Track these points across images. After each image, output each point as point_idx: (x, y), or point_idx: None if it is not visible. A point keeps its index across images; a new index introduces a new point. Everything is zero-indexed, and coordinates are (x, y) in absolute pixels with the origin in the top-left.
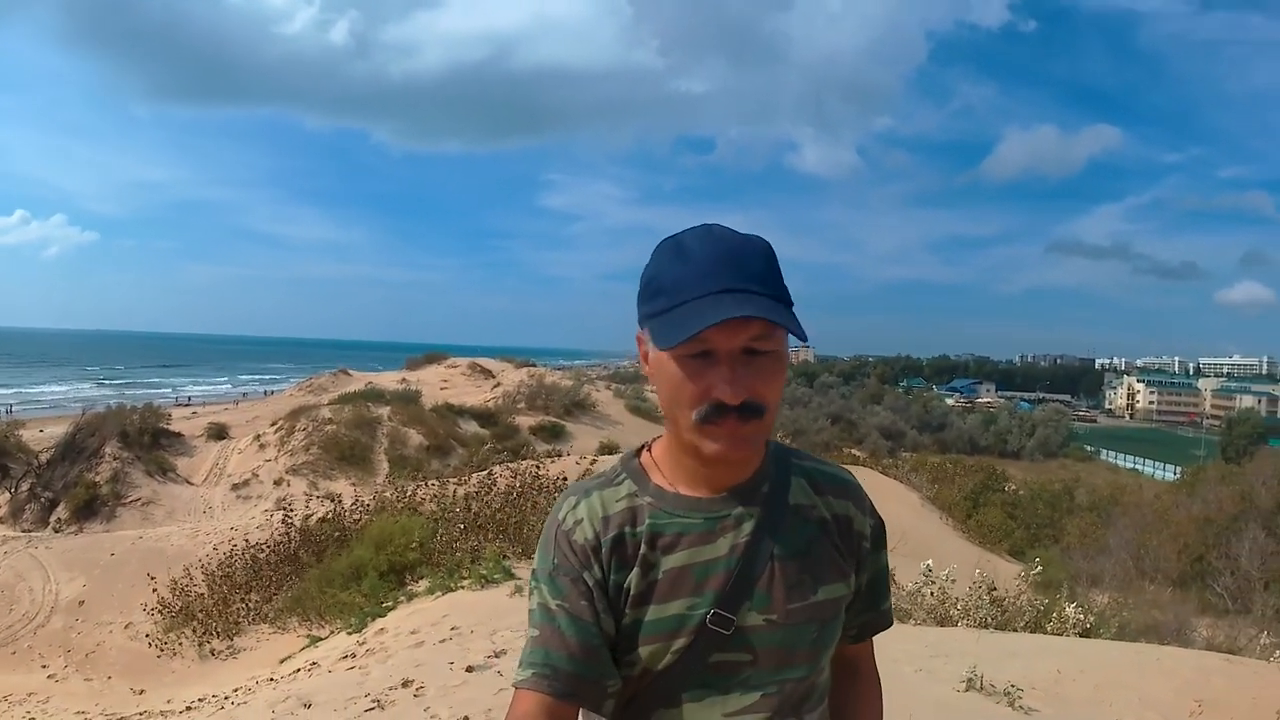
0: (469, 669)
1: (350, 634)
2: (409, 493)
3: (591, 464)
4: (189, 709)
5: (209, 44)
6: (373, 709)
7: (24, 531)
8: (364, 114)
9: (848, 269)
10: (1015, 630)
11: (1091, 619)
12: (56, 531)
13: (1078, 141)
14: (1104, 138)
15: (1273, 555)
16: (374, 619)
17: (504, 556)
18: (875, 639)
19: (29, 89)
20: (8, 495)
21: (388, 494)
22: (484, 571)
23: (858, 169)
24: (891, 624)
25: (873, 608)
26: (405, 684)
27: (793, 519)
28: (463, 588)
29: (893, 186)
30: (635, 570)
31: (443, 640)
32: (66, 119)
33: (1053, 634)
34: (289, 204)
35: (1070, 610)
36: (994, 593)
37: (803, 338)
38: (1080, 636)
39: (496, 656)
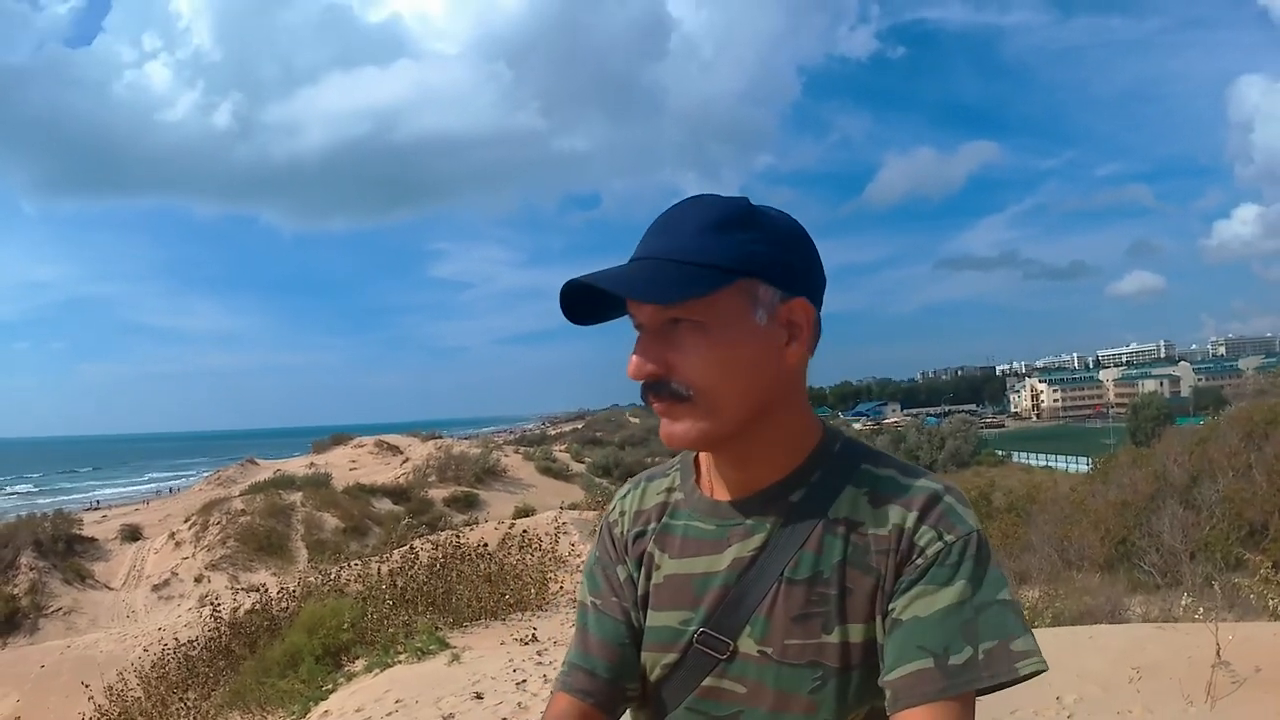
0: None
1: None
2: (333, 576)
3: (510, 528)
4: None
5: (93, 135)
6: None
7: None
8: (251, 197)
9: None
10: None
11: (1026, 613)
12: None
13: (956, 160)
14: (981, 153)
15: (1194, 527)
16: (316, 703)
17: (436, 628)
18: None
19: None
20: None
21: (311, 579)
22: (419, 644)
23: None
24: (931, 699)
25: (911, 658)
26: None
27: (826, 535)
28: (399, 662)
29: None
30: (643, 570)
31: (389, 714)
32: None
33: None
34: (181, 295)
35: None
36: None
37: (634, 295)
38: None
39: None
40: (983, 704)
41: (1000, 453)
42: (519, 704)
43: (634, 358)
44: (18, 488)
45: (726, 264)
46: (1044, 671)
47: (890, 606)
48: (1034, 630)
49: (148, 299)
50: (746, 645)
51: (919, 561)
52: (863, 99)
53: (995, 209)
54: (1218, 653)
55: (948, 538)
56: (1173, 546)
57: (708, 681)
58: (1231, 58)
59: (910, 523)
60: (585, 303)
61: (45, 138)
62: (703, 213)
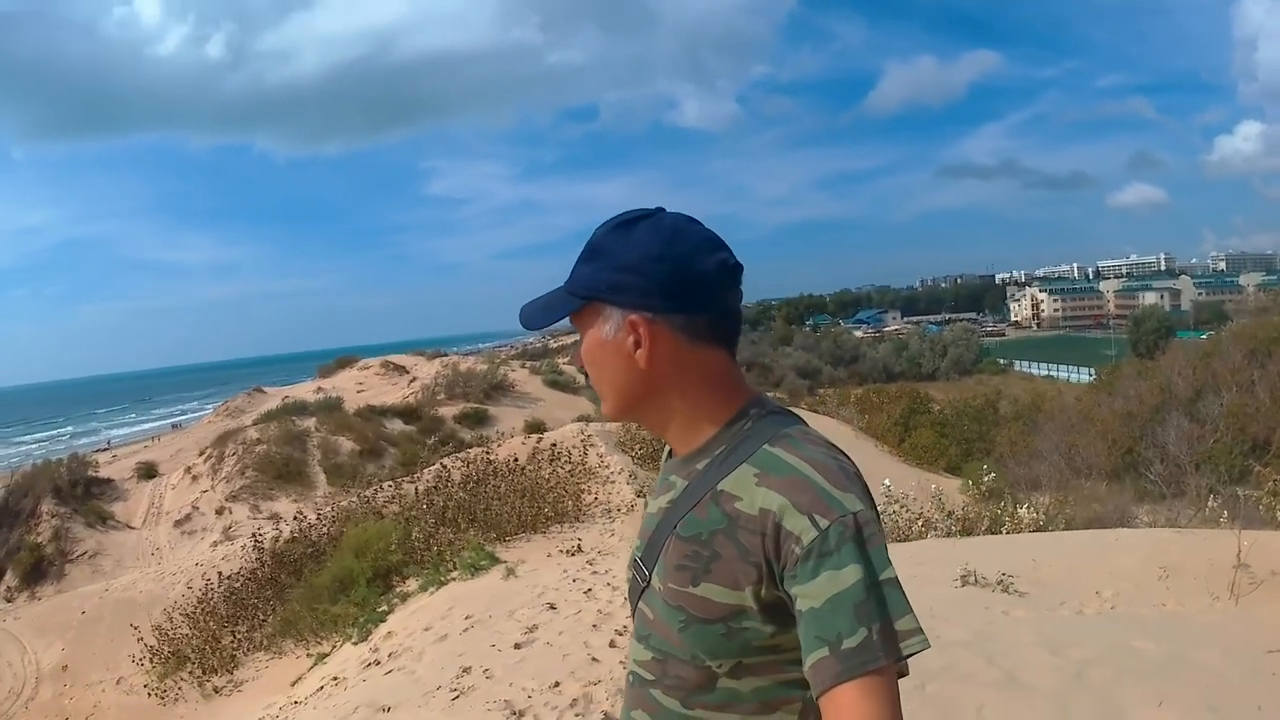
0: (517, 646)
1: (355, 644)
2: (369, 498)
3: (538, 440)
4: None
5: (83, 75)
6: (457, 698)
7: None
8: (245, 126)
9: (739, 216)
10: (978, 535)
11: (1042, 518)
12: (9, 601)
13: (956, 68)
14: (982, 61)
15: (1198, 439)
16: (375, 625)
17: (482, 544)
18: None
19: None
20: None
21: (344, 503)
22: (470, 560)
23: (739, 118)
24: (831, 684)
25: (811, 649)
26: (465, 671)
27: (711, 504)
28: (453, 579)
29: (776, 131)
30: None
31: (465, 630)
32: None
33: (1010, 534)
34: (176, 229)
35: (1023, 512)
36: (951, 510)
37: (527, 326)
38: (1035, 533)
39: (532, 631)
40: (1037, 594)
41: (1002, 361)
42: (599, 611)
43: (574, 353)
44: (30, 435)
45: (579, 292)
46: (927, 649)
47: (792, 595)
48: (1055, 532)
49: (143, 235)
50: (656, 580)
51: (796, 549)
52: (860, 7)
53: (995, 117)
54: (1239, 556)
55: (822, 523)
56: (1177, 457)
57: (640, 603)
58: None
59: (777, 507)
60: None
61: (34, 82)
62: (586, 243)
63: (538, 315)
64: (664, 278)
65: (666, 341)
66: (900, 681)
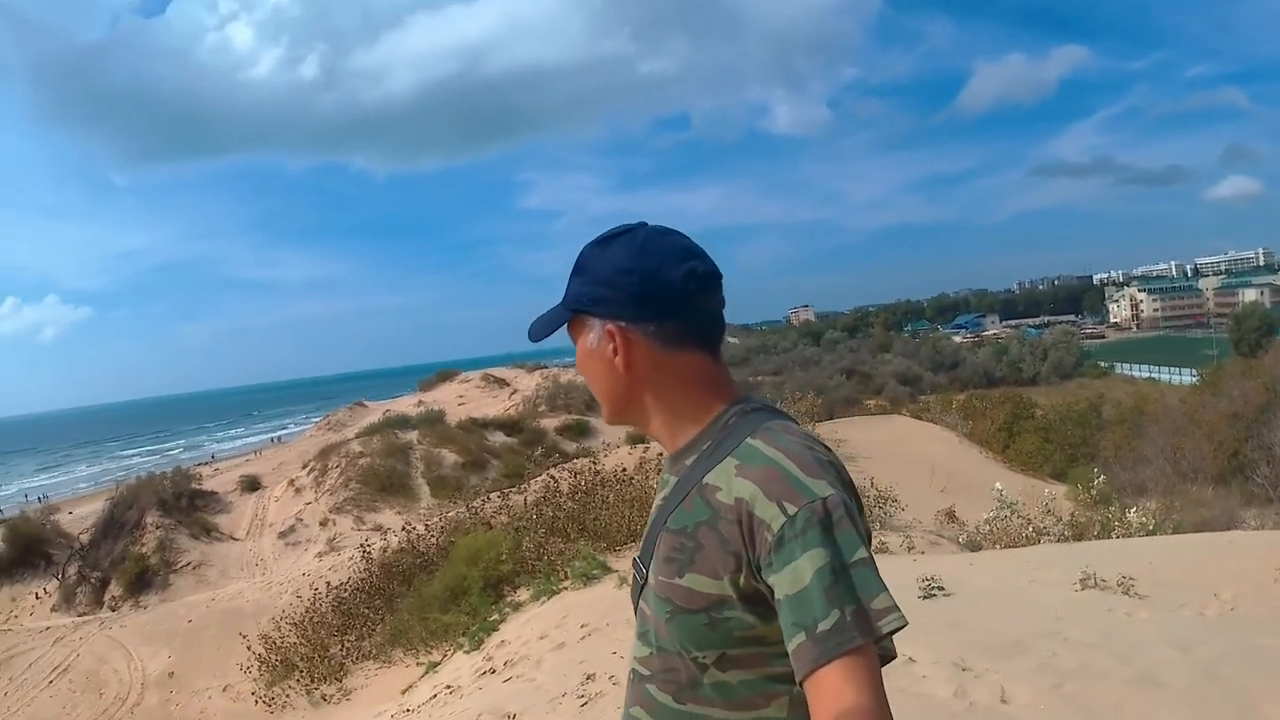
0: None
1: (468, 653)
2: (478, 509)
3: (644, 451)
4: None
5: (178, 101)
6: (585, 704)
7: (79, 616)
8: (341, 145)
9: (833, 222)
10: (1090, 540)
11: (1151, 522)
12: (113, 610)
13: (1046, 65)
14: (1071, 57)
15: None
16: (487, 634)
17: (594, 553)
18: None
19: (5, 174)
20: (55, 582)
21: (451, 514)
22: (582, 569)
23: (830, 123)
24: (810, 668)
25: (790, 635)
26: (589, 678)
27: (697, 498)
28: (565, 589)
29: (867, 134)
30: None
31: (583, 639)
32: (44, 200)
33: (1120, 539)
34: (274, 247)
35: (1132, 516)
36: (1064, 515)
37: (531, 339)
38: (1145, 537)
39: None
40: (1157, 596)
41: (1103, 364)
42: None
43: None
44: (133, 449)
45: (568, 305)
46: (905, 626)
47: (769, 584)
48: (1165, 536)
49: (241, 254)
50: (651, 574)
51: (769, 537)
52: (947, 5)
53: (1086, 113)
54: None
55: (790, 509)
56: None
57: (639, 600)
58: None
59: (749, 495)
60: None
61: (130, 110)
62: (576, 259)
63: (539, 328)
64: (633, 288)
65: (641, 348)
66: (1035, 681)
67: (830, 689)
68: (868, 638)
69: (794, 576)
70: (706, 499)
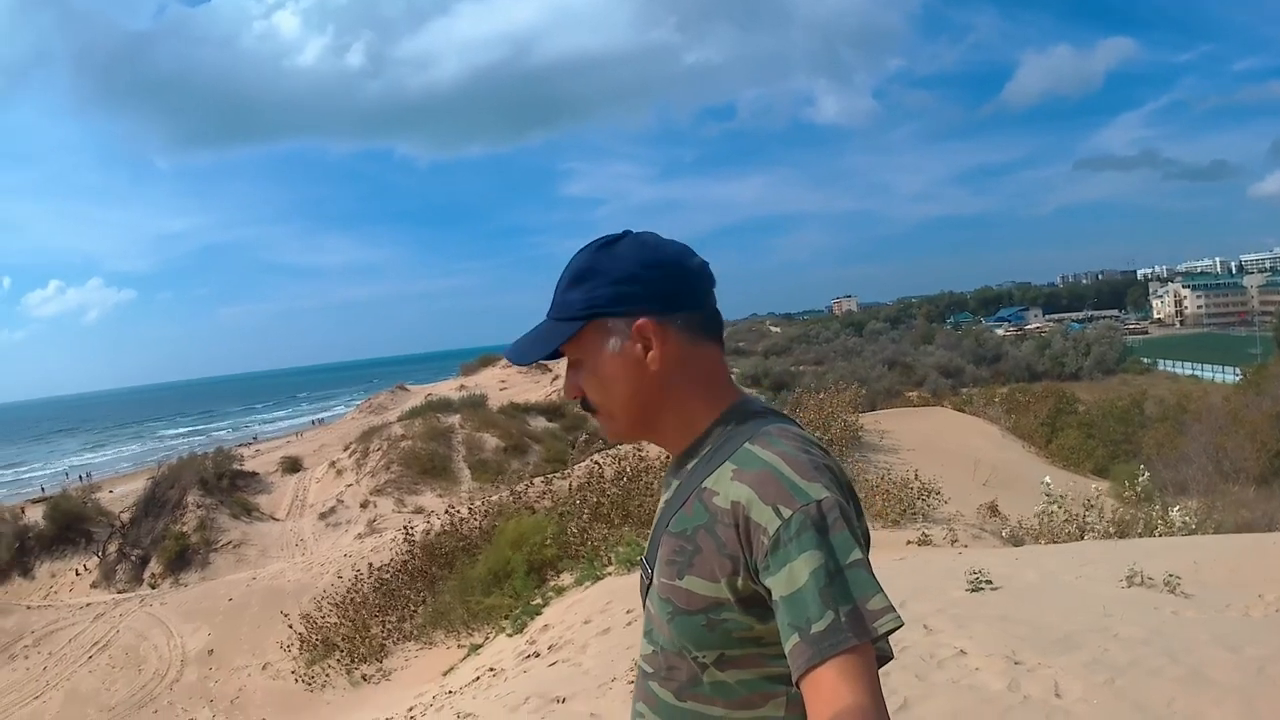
0: None
1: (510, 636)
2: (520, 493)
3: None
4: None
5: (223, 87)
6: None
7: (118, 593)
8: (386, 132)
9: (878, 213)
10: (1133, 538)
11: (1194, 522)
12: (153, 587)
13: (1093, 57)
14: (1118, 49)
15: None
16: (530, 617)
17: (639, 540)
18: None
19: (46, 160)
20: (95, 559)
21: (494, 498)
22: (626, 555)
23: (876, 113)
24: (806, 668)
25: (786, 637)
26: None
27: (696, 501)
28: (609, 574)
29: (913, 125)
30: None
31: (629, 624)
32: (87, 183)
33: (1162, 537)
34: (317, 233)
35: (1174, 515)
36: (1107, 513)
37: (514, 361)
38: (1187, 536)
39: None
40: (1202, 595)
41: (1146, 360)
42: None
43: (564, 385)
44: (175, 429)
45: (578, 314)
46: (900, 627)
47: (766, 586)
48: (1209, 535)
49: (284, 240)
50: (655, 577)
51: (764, 541)
52: None
53: (1132, 106)
54: None
55: (785, 512)
56: None
57: (646, 600)
58: None
59: (745, 499)
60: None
61: (175, 96)
62: (568, 271)
63: (534, 348)
64: (661, 281)
65: (673, 341)
66: (1087, 676)
67: (825, 689)
68: (863, 638)
69: (789, 578)
70: (704, 503)
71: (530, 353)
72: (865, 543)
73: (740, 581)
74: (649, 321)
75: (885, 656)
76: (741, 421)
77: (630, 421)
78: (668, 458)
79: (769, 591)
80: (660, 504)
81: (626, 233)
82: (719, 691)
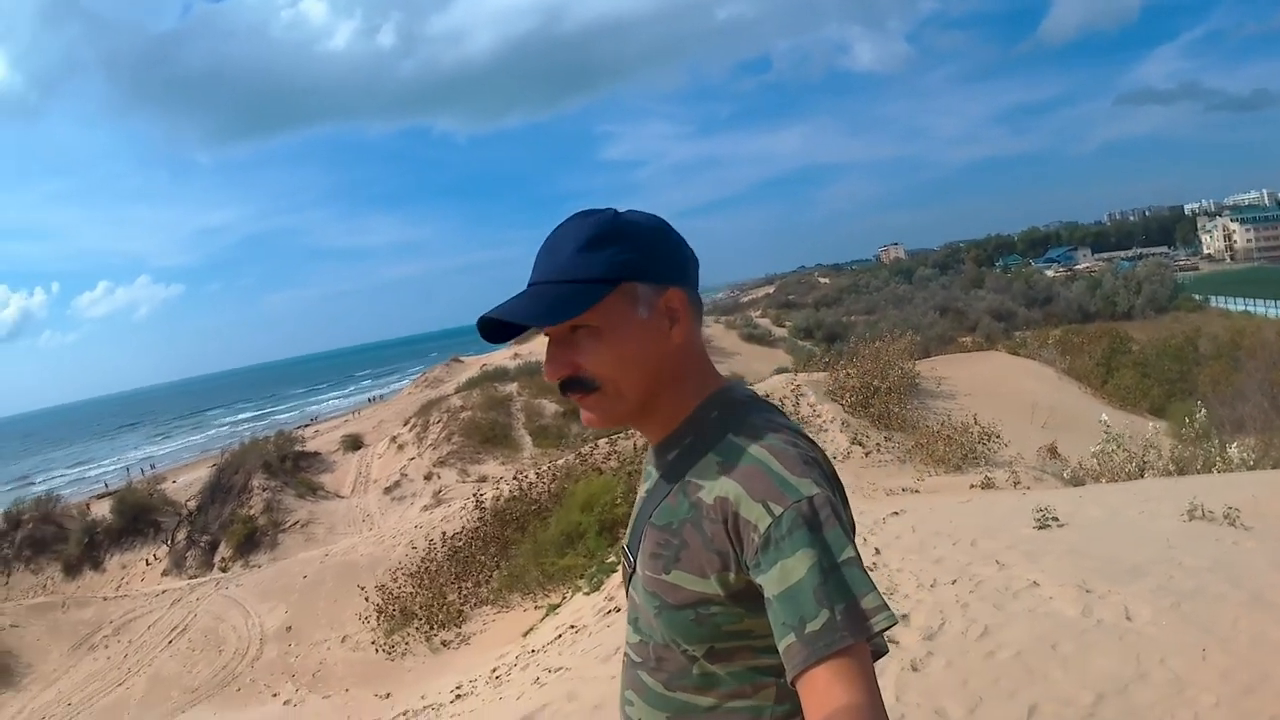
0: None
1: (588, 594)
2: (586, 455)
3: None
4: (460, 696)
5: (256, 78)
6: None
7: (190, 579)
8: (423, 109)
9: (920, 158)
10: (1191, 475)
11: (1252, 458)
12: (224, 571)
13: None
14: None
15: None
16: (606, 575)
17: None
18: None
19: (86, 167)
20: (165, 548)
21: (561, 461)
22: None
23: (911, 57)
24: (801, 668)
25: (780, 636)
26: None
27: (680, 494)
28: None
29: (949, 67)
30: None
31: None
32: (128, 185)
33: (1221, 474)
34: (359, 215)
35: (1233, 451)
36: (1165, 451)
37: (532, 323)
38: (1246, 472)
39: None
40: (1262, 528)
41: (1198, 297)
42: None
43: (547, 365)
44: (234, 416)
45: (605, 275)
46: (895, 625)
47: (758, 584)
48: (1267, 471)
49: (326, 224)
50: (639, 566)
51: (755, 538)
52: None
53: (1169, 37)
54: None
55: (775, 509)
56: None
57: (630, 589)
58: None
59: (733, 494)
60: (498, 325)
61: (209, 91)
62: (578, 234)
63: (557, 307)
64: (676, 255)
65: (689, 317)
66: (1155, 602)
67: (821, 689)
68: (859, 637)
69: (782, 576)
70: (689, 496)
71: (557, 310)
72: (853, 535)
73: (732, 577)
74: (680, 292)
75: (880, 651)
76: (725, 410)
77: (638, 401)
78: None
79: (761, 589)
80: (641, 493)
81: (611, 209)
82: (709, 682)
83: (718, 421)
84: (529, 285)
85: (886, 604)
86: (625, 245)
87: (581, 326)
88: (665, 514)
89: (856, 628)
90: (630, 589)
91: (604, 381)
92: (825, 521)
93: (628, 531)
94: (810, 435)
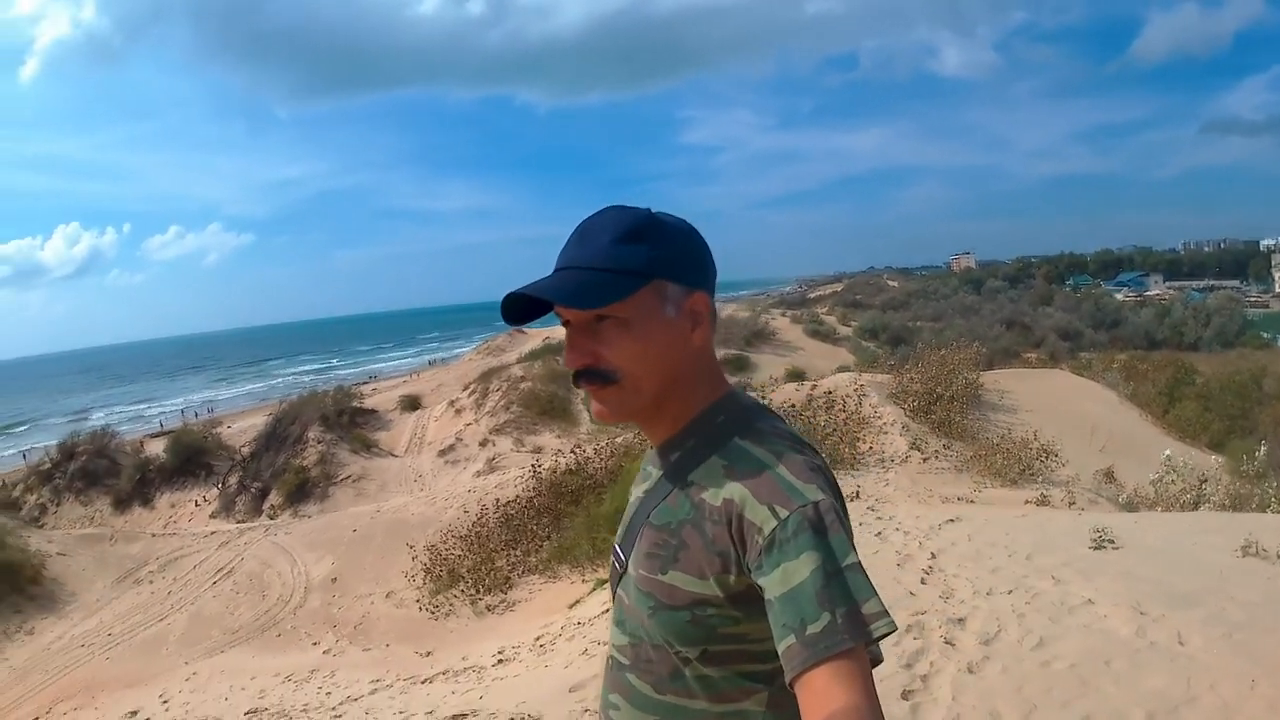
0: None
1: None
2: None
3: (812, 388)
4: (502, 661)
5: (342, 38)
6: None
7: (237, 523)
8: (507, 80)
9: (998, 168)
10: (1247, 512)
11: None
12: (272, 519)
13: (1221, 16)
14: (1247, 8)
15: None
16: None
17: None
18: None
19: (165, 112)
20: (215, 491)
21: (618, 439)
22: None
23: (997, 67)
24: (800, 669)
25: (780, 637)
26: None
27: (680, 495)
28: None
29: (1035, 81)
30: None
31: None
32: (206, 133)
33: (1275, 514)
34: (434, 178)
35: None
36: (1222, 486)
37: (568, 303)
38: None
39: None
40: None
41: (1265, 335)
42: (897, 552)
43: (568, 352)
44: (295, 369)
45: (640, 269)
46: (894, 631)
47: (759, 586)
48: None
49: (400, 185)
50: (632, 566)
51: (759, 540)
52: None
53: (1260, 68)
54: None
55: (781, 513)
56: None
57: (619, 589)
58: None
59: (739, 496)
60: (520, 306)
61: (294, 47)
62: (615, 225)
63: (592, 292)
64: (705, 261)
65: (708, 323)
66: (1206, 630)
67: (820, 691)
68: (859, 640)
69: (784, 579)
70: (691, 498)
71: (588, 297)
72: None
73: (733, 579)
74: (704, 296)
75: (875, 659)
76: (731, 416)
77: (653, 398)
78: (791, 405)
79: (761, 591)
80: (638, 493)
81: (646, 208)
82: (700, 685)
83: (723, 426)
84: (556, 270)
85: (887, 610)
86: (661, 243)
87: (609, 317)
88: (665, 514)
89: (857, 631)
90: (619, 589)
91: (624, 375)
92: (830, 526)
93: (620, 530)
94: (863, 436)
